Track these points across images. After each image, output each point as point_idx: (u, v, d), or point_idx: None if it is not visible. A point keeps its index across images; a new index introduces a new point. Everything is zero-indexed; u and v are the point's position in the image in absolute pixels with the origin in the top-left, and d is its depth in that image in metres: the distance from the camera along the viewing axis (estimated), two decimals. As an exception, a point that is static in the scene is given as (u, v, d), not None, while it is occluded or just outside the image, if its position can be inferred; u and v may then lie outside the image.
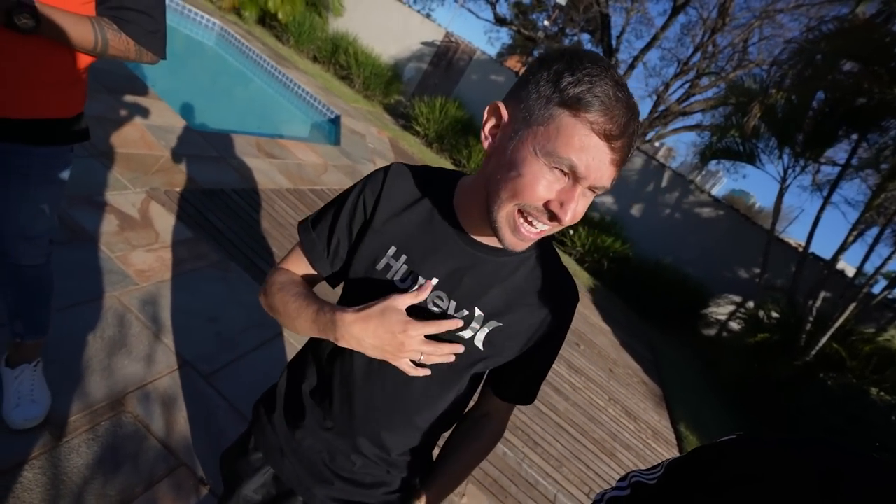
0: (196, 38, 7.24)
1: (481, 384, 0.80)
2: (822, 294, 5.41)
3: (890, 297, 5.86)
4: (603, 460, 2.90)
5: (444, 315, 0.67)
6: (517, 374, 0.75)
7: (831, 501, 0.44)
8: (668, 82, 12.94)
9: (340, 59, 9.07)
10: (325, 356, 0.76)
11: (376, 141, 6.71)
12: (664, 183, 8.32)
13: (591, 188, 0.57)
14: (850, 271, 7.40)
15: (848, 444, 0.50)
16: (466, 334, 0.68)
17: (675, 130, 13.77)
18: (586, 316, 5.38)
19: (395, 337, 0.61)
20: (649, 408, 4.18)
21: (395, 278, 0.68)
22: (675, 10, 10.52)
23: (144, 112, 3.28)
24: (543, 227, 0.60)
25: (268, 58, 7.24)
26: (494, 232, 0.62)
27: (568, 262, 7.35)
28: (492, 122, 0.62)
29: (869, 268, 5.61)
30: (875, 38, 4.39)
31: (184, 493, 1.35)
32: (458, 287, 0.67)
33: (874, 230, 5.99)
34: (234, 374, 1.83)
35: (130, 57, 1.04)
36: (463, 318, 0.67)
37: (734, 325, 7.44)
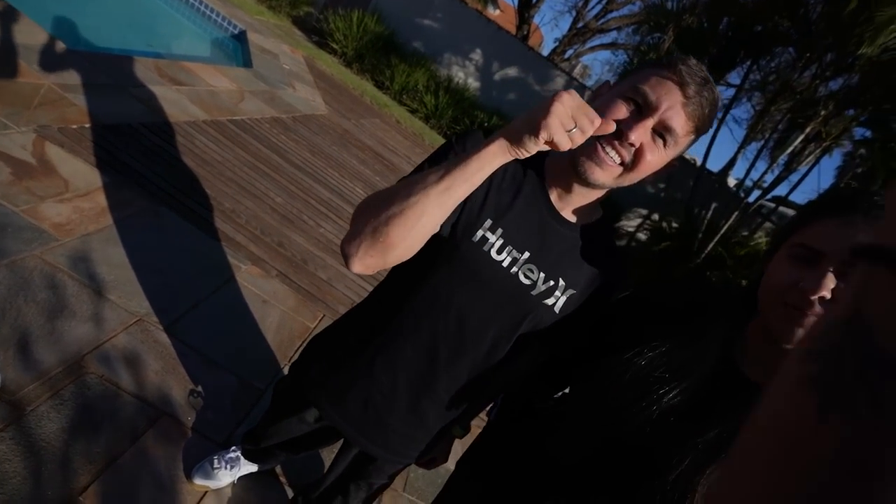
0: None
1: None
2: (714, 205, 6.22)
3: (762, 205, 6.90)
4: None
5: (533, 286, 0.72)
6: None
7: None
8: (587, -2, 12.81)
9: (234, -42, 7.75)
10: (383, 316, 0.81)
11: (291, 61, 6.08)
12: (584, 104, 8.60)
13: (662, 127, 0.62)
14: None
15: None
16: (550, 301, 0.74)
17: (593, 48, 13.93)
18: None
19: (545, 104, 0.55)
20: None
21: (492, 251, 0.71)
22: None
23: (1, 28, 2.67)
24: (620, 156, 0.64)
25: (143, -46, 6.00)
26: (576, 170, 0.66)
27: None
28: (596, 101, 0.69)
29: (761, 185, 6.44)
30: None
31: (173, 440, 1.38)
32: (546, 260, 0.73)
33: (755, 146, 6.86)
34: (195, 322, 1.78)
35: None
36: (548, 287, 0.73)
37: (642, 236, 8.35)
